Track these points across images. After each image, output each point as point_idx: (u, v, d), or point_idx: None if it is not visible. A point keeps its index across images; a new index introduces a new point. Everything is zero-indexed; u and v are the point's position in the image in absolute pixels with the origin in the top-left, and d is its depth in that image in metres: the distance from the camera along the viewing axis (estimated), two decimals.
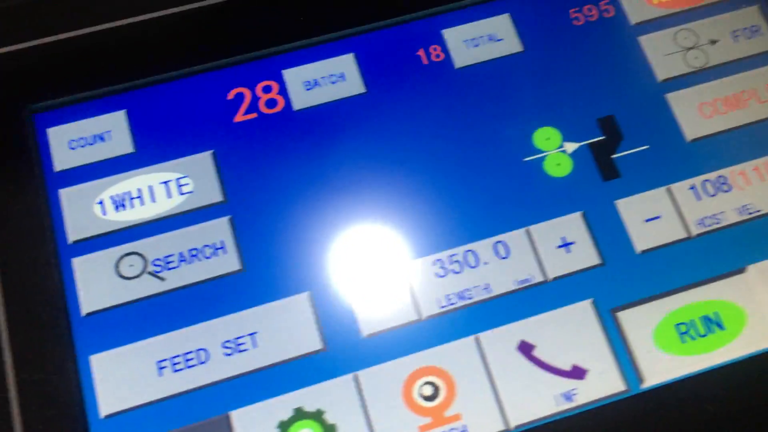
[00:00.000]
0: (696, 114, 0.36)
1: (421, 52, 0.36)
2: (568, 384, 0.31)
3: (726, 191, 0.34)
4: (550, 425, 0.30)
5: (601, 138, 0.35)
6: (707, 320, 0.32)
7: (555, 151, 0.35)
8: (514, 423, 0.31)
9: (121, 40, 0.35)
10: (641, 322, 0.32)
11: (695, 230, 0.34)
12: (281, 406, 0.31)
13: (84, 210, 0.33)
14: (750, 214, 0.34)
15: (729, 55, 0.37)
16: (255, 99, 0.35)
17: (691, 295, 0.32)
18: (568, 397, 0.31)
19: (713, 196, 0.34)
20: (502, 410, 0.31)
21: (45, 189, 0.33)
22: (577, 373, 0.31)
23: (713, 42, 0.37)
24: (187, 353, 0.31)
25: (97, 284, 0.32)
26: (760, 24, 0.37)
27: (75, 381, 0.30)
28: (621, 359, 0.32)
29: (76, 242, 0.32)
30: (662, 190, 0.34)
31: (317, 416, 0.30)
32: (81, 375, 0.31)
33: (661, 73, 0.36)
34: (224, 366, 0.31)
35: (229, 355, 0.31)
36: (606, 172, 0.34)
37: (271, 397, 0.31)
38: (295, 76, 0.35)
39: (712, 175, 0.35)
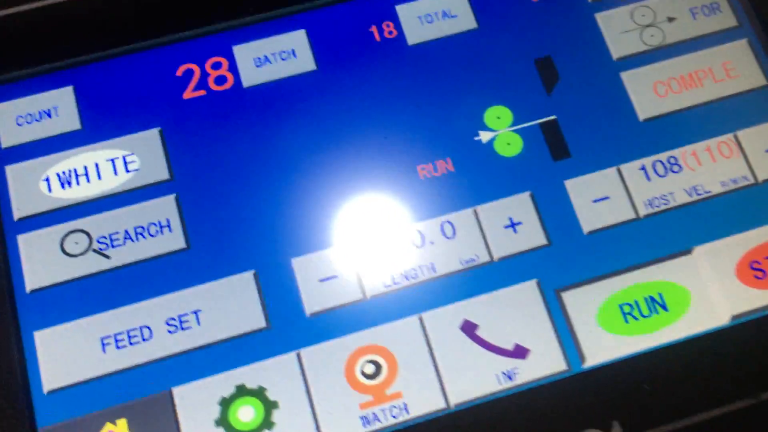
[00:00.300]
0: (650, 93, 0.35)
1: (373, 29, 0.36)
2: (510, 363, 0.31)
3: (676, 172, 0.34)
4: (489, 404, 0.31)
5: (552, 117, 0.35)
6: (651, 301, 0.32)
7: (506, 130, 0.35)
8: (454, 401, 0.31)
9: (68, 15, 0.35)
10: (585, 303, 0.32)
11: (643, 211, 0.33)
12: (223, 383, 0.31)
13: (30, 187, 0.33)
14: (699, 195, 0.34)
15: (686, 33, 0.36)
16: (204, 75, 0.35)
17: (636, 276, 0.32)
18: (509, 376, 0.31)
19: (663, 176, 0.34)
20: (443, 389, 0.31)
21: None
22: (519, 352, 0.32)
23: (671, 19, 0.36)
24: (131, 330, 0.31)
25: (42, 261, 0.32)
26: (719, 1, 0.37)
27: (19, 357, 0.31)
28: (563, 339, 0.32)
29: (22, 219, 0.33)
30: (612, 170, 0.34)
31: (259, 393, 0.31)
32: (25, 351, 0.31)
33: (617, 51, 0.36)
34: (167, 343, 0.31)
35: (172, 332, 0.31)
36: (556, 152, 0.34)
37: (214, 374, 0.31)
38: (245, 53, 0.35)
39: (663, 156, 0.34)
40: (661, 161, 0.34)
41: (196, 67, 0.35)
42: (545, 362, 0.31)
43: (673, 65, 0.36)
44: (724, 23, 0.37)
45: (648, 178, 0.34)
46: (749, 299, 0.32)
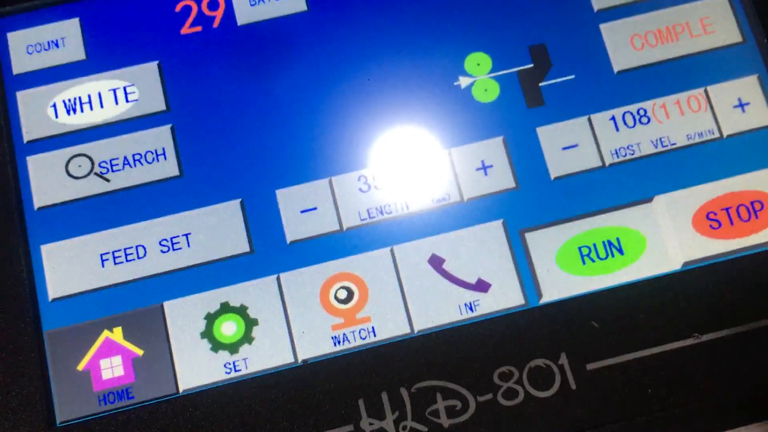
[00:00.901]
0: (627, 45, 0.37)
1: None
2: (472, 296, 0.34)
3: (645, 123, 0.36)
4: (450, 331, 0.33)
5: (530, 66, 0.36)
6: (609, 245, 0.34)
7: (484, 77, 0.36)
8: (417, 328, 0.34)
9: None
10: (546, 244, 0.34)
11: (609, 159, 0.35)
12: (209, 299, 0.34)
13: (38, 112, 0.36)
14: (664, 146, 0.35)
15: None
16: (201, 12, 0.37)
17: (596, 221, 0.35)
18: (470, 307, 0.34)
19: (632, 127, 0.36)
20: (408, 316, 0.34)
21: (3, 91, 0.36)
22: (482, 286, 0.34)
23: None
24: (128, 248, 0.34)
25: (48, 181, 0.35)
26: None
27: (27, 267, 0.34)
28: (523, 276, 0.34)
29: (31, 142, 0.35)
30: (583, 119, 0.36)
31: (241, 311, 0.34)
32: (33, 262, 0.34)
33: (598, 2, 0.37)
34: (160, 261, 0.34)
35: (165, 252, 0.34)
36: (531, 100, 0.36)
37: (201, 292, 0.34)
38: None
39: (633, 107, 0.36)
40: (630, 112, 0.36)
41: (193, 4, 0.37)
42: (505, 296, 0.34)
43: (651, 19, 0.37)
44: None
45: (617, 128, 0.36)
46: (702, 247, 0.34)
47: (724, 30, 0.37)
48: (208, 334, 0.34)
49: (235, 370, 0.33)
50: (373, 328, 0.34)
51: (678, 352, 0.33)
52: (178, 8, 0.37)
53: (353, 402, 0.32)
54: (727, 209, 0.35)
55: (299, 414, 0.32)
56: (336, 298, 0.34)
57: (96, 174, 0.35)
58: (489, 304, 0.34)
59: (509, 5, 0.37)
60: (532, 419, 0.32)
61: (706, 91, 0.36)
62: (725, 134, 0.36)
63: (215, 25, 0.37)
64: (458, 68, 0.36)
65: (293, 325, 0.34)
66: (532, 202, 0.35)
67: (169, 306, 0.34)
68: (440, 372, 0.33)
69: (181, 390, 0.33)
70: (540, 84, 0.36)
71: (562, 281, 0.34)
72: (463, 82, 0.36)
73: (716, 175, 0.35)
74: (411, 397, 0.32)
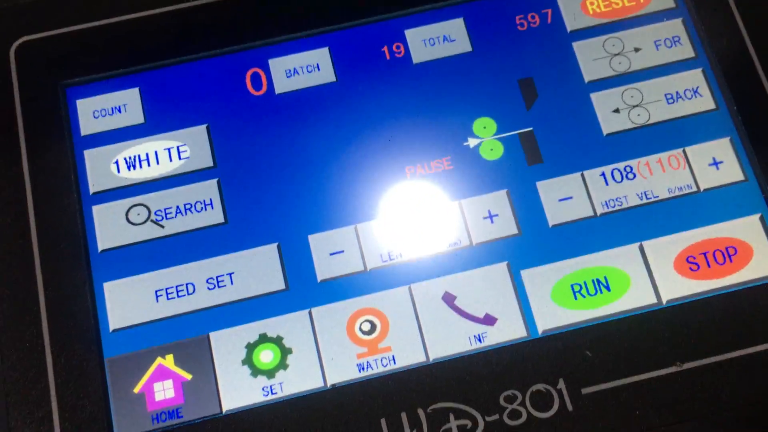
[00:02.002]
0: (613, 112, 0.42)
1: (385, 49, 0.43)
2: (481, 329, 0.39)
3: (631, 179, 0.41)
4: (461, 359, 0.38)
5: (529, 129, 0.42)
6: (597, 282, 0.39)
7: (490, 138, 0.42)
8: (432, 356, 0.38)
9: (136, 29, 0.43)
10: (543, 282, 0.39)
11: (600, 210, 0.40)
12: (249, 331, 0.39)
13: (103, 168, 0.41)
14: (648, 199, 0.41)
15: (650, 61, 0.43)
16: (244, 83, 0.42)
17: (586, 262, 0.39)
18: (479, 338, 0.39)
19: (619, 182, 0.41)
20: (424, 346, 0.38)
21: (73, 149, 0.41)
22: (489, 320, 0.39)
23: (637, 50, 0.43)
24: (179, 285, 0.39)
25: (110, 227, 0.40)
26: (680, 35, 0.43)
27: (91, 302, 0.39)
28: (525, 311, 0.39)
29: (96, 193, 0.41)
30: (577, 175, 0.41)
31: (277, 341, 0.39)
32: (96, 298, 0.39)
33: (588, 75, 0.43)
34: (207, 297, 0.39)
35: (211, 289, 0.39)
36: (531, 158, 0.41)
37: (242, 324, 0.39)
38: (278, 65, 0.43)
39: (620, 165, 0.41)
40: (618, 169, 0.41)
41: (239, 77, 0.43)
42: (509, 329, 0.39)
43: (635, 89, 0.42)
44: (683, 54, 0.43)
45: (606, 182, 0.41)
46: (682, 287, 0.39)
47: (699, 98, 0.42)
48: (248, 361, 0.38)
49: (272, 393, 0.38)
50: (393, 356, 0.38)
51: (662, 378, 0.37)
52: (225, 80, 0.42)
53: (376, 421, 0.37)
54: (704, 254, 0.40)
55: (329, 431, 0.37)
56: (360, 330, 0.39)
57: (152, 221, 0.40)
58: (495, 335, 0.39)
59: (513, 76, 0.42)
60: None
61: (684, 152, 0.41)
62: (702, 188, 0.41)
63: (257, 94, 0.42)
64: (467, 130, 0.42)
65: (323, 354, 0.38)
66: (533, 246, 0.40)
67: (214, 336, 0.39)
68: (453, 395, 0.37)
69: (224, 410, 0.37)
70: (539, 144, 0.41)
71: (557, 315, 0.39)
72: (472, 142, 0.42)
73: (694, 224, 0.40)
74: (427, 417, 0.37)
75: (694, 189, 0.41)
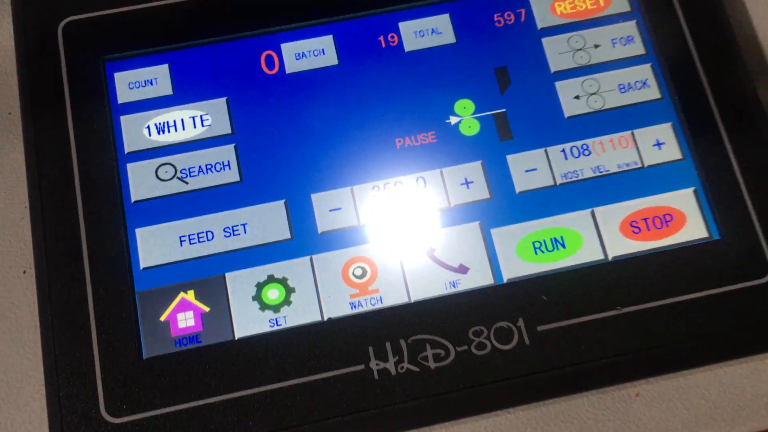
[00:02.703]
0: (576, 97, 0.49)
1: (381, 38, 0.50)
2: (455, 276, 0.46)
3: (586, 155, 0.48)
4: (438, 299, 0.45)
5: (503, 110, 0.49)
6: (555, 241, 0.46)
7: (469, 117, 0.49)
8: (414, 298, 0.45)
9: (167, 14, 0.50)
10: (509, 239, 0.46)
11: (560, 180, 0.48)
12: (259, 272, 0.46)
13: (136, 131, 0.48)
14: (600, 172, 0.48)
15: (607, 56, 0.50)
16: (259, 62, 0.49)
17: (546, 224, 0.47)
18: (453, 284, 0.46)
19: (577, 158, 0.48)
20: (407, 289, 0.45)
21: (111, 115, 0.48)
22: (462, 269, 0.46)
23: (596, 46, 0.50)
24: (200, 233, 0.46)
25: (142, 182, 0.47)
26: (634, 35, 0.51)
27: (125, 244, 0.46)
28: (493, 262, 0.46)
29: (130, 153, 0.48)
30: (541, 151, 0.48)
31: (283, 281, 0.45)
32: (129, 241, 0.46)
33: (554, 66, 0.50)
34: (223, 243, 0.46)
35: (227, 237, 0.46)
36: (503, 135, 0.49)
37: (253, 267, 0.46)
38: (289, 49, 0.50)
39: (578, 143, 0.48)
40: (576, 147, 0.48)
41: (254, 57, 0.49)
42: (479, 277, 0.46)
43: (593, 80, 0.50)
44: (634, 51, 0.50)
45: (566, 158, 0.48)
46: (626, 247, 0.46)
47: (647, 89, 0.50)
48: (257, 297, 0.45)
49: (277, 325, 0.45)
50: (380, 297, 0.45)
51: (605, 319, 0.44)
52: (243, 60, 0.49)
53: (365, 348, 0.44)
54: (645, 219, 0.47)
55: (324, 356, 0.44)
56: (354, 274, 0.46)
57: (178, 178, 0.47)
58: (467, 282, 0.46)
59: (490, 65, 0.50)
60: (496, 365, 0.44)
61: (632, 134, 0.49)
62: (646, 165, 0.48)
63: (270, 73, 0.49)
64: (449, 110, 0.49)
65: (321, 293, 0.45)
66: (502, 209, 0.47)
67: (229, 276, 0.45)
68: (429, 329, 0.44)
69: (236, 337, 0.44)
70: (510, 124, 0.49)
71: (520, 266, 0.46)
72: (453, 120, 0.49)
73: (638, 194, 0.47)
74: (407, 346, 0.44)
75: (639, 165, 0.48)
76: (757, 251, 0.46)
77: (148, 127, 0.48)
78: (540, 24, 0.51)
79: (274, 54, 0.50)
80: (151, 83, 0.49)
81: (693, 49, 0.50)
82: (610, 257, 0.46)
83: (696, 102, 0.49)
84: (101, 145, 0.47)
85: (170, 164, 0.47)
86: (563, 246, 0.46)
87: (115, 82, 0.49)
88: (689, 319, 0.44)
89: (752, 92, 0.49)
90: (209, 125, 0.48)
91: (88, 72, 0.49)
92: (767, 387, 0.44)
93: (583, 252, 0.46)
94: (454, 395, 0.43)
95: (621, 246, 0.46)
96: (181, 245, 0.46)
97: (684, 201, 0.47)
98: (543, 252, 0.46)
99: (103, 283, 0.45)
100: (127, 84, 0.49)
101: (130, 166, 0.47)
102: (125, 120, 0.48)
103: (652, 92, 0.50)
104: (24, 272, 0.46)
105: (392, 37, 0.50)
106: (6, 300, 0.46)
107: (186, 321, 0.45)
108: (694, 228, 0.47)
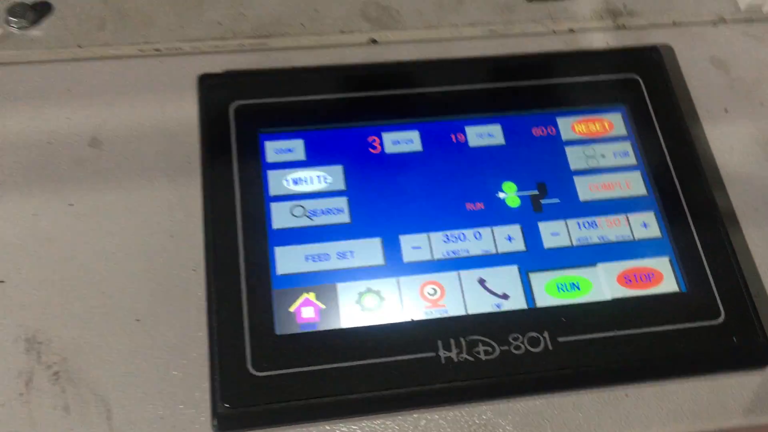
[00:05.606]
0: (588, 188, 0.70)
1: (452, 135, 0.71)
2: (500, 300, 0.64)
3: (594, 228, 0.68)
4: (487, 314, 0.63)
5: (536, 192, 0.69)
6: (572, 284, 0.65)
7: (512, 195, 0.69)
8: (470, 311, 0.63)
9: (304, 106, 0.71)
10: (539, 281, 0.65)
11: (575, 243, 0.67)
12: (360, 286, 0.63)
13: (278, 182, 0.67)
14: (604, 240, 0.68)
15: (609, 164, 0.71)
16: (367, 144, 0.70)
17: (566, 272, 0.66)
18: (498, 306, 0.64)
19: (587, 229, 0.68)
20: (465, 305, 0.64)
21: (262, 170, 0.68)
22: (505, 296, 0.64)
23: (603, 155, 0.72)
24: (320, 254, 0.65)
25: (281, 217, 0.66)
26: (628, 150, 0.72)
27: (268, 258, 0.64)
28: (527, 294, 0.65)
29: (274, 196, 0.67)
30: (563, 221, 0.68)
31: (378, 293, 0.63)
32: (270, 255, 0.64)
33: (573, 166, 0.71)
34: (336, 263, 0.64)
35: (339, 259, 0.65)
36: (536, 208, 0.69)
37: (356, 281, 0.64)
38: (388, 137, 0.71)
39: (589, 219, 0.68)
40: (587, 221, 0.68)
41: (364, 140, 0.70)
42: (516, 302, 0.64)
43: (600, 177, 0.71)
44: (628, 161, 0.72)
45: (579, 228, 0.68)
46: (621, 292, 0.65)
47: (636, 188, 0.70)
48: (359, 302, 0.63)
49: (372, 321, 0.62)
50: (446, 309, 0.63)
51: (606, 338, 0.62)
52: (356, 142, 0.70)
53: (435, 342, 0.61)
54: (634, 274, 0.66)
55: (407, 344, 0.61)
56: (427, 293, 0.64)
57: (306, 216, 0.66)
58: (508, 305, 0.64)
59: (530, 161, 0.71)
60: (527, 362, 0.61)
61: (627, 217, 0.69)
62: (636, 238, 0.68)
63: (374, 152, 0.70)
64: (498, 187, 0.69)
65: (404, 303, 0.63)
66: (534, 258, 0.66)
67: (339, 286, 0.63)
68: (481, 332, 0.62)
69: (343, 326, 0.62)
70: (541, 201, 0.69)
71: (547, 298, 0.65)
72: (501, 195, 0.69)
73: (630, 257, 0.67)
74: (466, 343, 0.61)
75: (631, 238, 0.68)
76: (712, 302, 0.65)
77: (287, 179, 0.68)
78: (564, 137, 0.72)
79: (377, 139, 0.71)
80: (290, 151, 0.69)
81: (670, 162, 0.71)
82: (610, 298, 0.65)
83: (671, 198, 0.70)
84: (255, 189, 0.67)
85: (301, 206, 0.67)
86: (578, 288, 0.65)
87: (265, 148, 0.69)
88: (663, 344, 0.63)
89: (710, 194, 0.70)
90: (330, 183, 0.68)
91: (248, 139, 0.69)
92: (718, 398, 0.62)
93: (592, 293, 0.65)
94: (496, 380, 0.61)
95: (618, 291, 0.65)
96: (306, 261, 0.64)
97: (661, 265, 0.67)
98: (563, 291, 0.65)
99: (252, 283, 0.63)
100: (274, 150, 0.69)
101: (273, 205, 0.67)
102: (271, 174, 0.68)
103: (640, 190, 0.70)
104: (194, 270, 0.64)
105: (460, 135, 0.72)
106: (180, 289, 0.63)
107: (307, 313, 0.62)
108: (668, 283, 0.66)
